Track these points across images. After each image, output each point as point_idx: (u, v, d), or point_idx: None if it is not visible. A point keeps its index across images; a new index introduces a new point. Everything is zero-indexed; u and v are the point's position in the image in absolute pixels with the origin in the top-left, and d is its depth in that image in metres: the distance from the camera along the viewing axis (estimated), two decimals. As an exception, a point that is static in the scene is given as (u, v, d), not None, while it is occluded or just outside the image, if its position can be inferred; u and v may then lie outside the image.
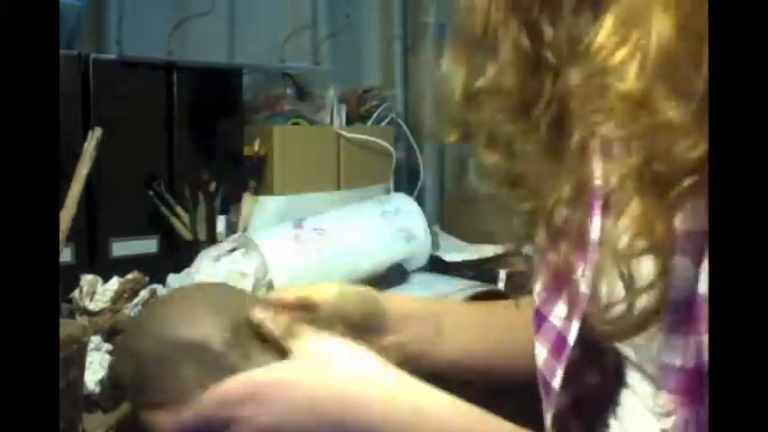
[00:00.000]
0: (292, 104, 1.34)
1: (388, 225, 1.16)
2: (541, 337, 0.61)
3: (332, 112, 1.34)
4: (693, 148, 0.42)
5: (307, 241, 1.09)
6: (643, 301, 0.47)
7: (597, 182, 0.56)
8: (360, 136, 1.35)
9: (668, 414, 0.48)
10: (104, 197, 1.05)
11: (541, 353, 0.61)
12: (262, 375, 0.55)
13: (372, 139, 1.36)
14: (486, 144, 0.62)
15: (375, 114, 1.41)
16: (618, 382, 0.59)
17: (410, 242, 1.16)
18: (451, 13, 0.62)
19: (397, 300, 0.73)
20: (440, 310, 0.73)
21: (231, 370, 0.54)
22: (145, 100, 1.11)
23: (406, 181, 1.50)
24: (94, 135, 0.57)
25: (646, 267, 0.47)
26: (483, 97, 0.60)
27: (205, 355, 0.55)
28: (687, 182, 0.43)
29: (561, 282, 0.60)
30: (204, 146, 1.16)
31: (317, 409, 0.54)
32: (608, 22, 0.45)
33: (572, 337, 0.58)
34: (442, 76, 0.61)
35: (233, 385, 0.54)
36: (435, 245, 1.25)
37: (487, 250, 1.19)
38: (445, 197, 1.60)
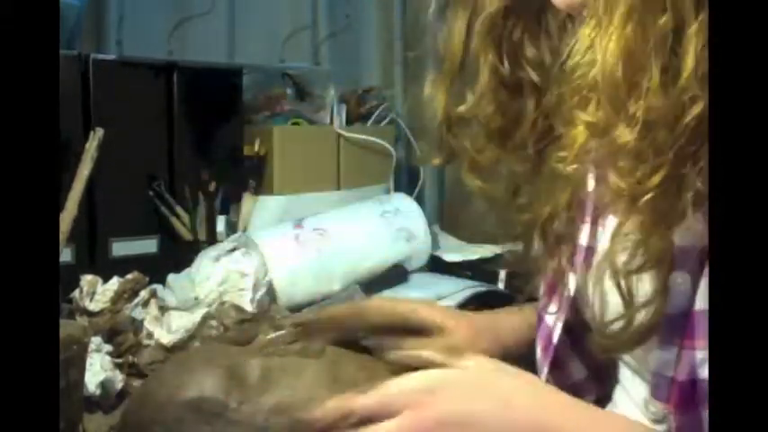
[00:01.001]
0: (292, 104, 1.34)
1: (388, 225, 1.16)
2: (539, 337, 0.63)
3: (332, 112, 1.34)
4: (650, 175, 0.43)
5: (307, 241, 1.09)
6: (641, 317, 0.48)
7: (589, 189, 0.56)
8: (360, 136, 1.34)
9: (660, 421, 0.49)
10: (104, 197, 1.05)
11: (538, 352, 0.63)
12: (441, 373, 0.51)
13: (372, 139, 1.36)
14: (468, 169, 0.62)
15: (375, 114, 1.41)
16: (608, 380, 0.59)
17: (410, 242, 1.16)
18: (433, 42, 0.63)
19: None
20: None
21: (239, 420, 0.52)
22: (145, 100, 1.10)
23: (406, 181, 1.50)
24: (96, 135, 0.56)
25: (644, 284, 0.48)
26: (463, 123, 0.61)
27: (209, 407, 0.53)
28: (643, 201, 0.43)
29: (555, 285, 0.61)
30: (204, 146, 1.16)
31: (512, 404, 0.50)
32: (583, 40, 0.45)
33: (556, 336, 0.60)
34: (427, 101, 0.62)
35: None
36: (435, 245, 1.25)
37: (487, 250, 1.19)
38: (445, 197, 1.60)
